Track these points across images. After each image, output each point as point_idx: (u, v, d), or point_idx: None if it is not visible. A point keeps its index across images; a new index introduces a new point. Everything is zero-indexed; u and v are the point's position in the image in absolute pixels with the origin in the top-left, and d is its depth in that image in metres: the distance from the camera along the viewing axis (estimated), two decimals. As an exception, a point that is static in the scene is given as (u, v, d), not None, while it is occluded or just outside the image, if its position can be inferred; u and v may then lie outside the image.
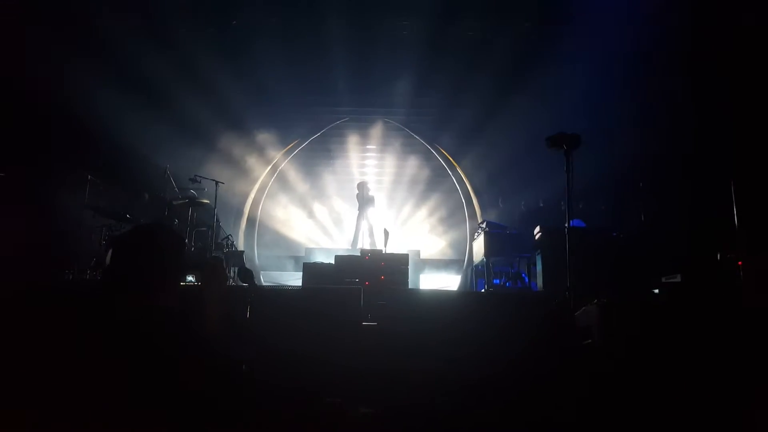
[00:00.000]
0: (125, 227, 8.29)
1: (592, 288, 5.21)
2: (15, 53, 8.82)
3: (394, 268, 8.00)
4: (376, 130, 13.86)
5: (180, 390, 1.91)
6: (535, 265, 7.97)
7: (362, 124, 13.84)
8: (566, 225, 4.87)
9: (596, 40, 10.10)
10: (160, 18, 10.63)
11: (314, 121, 13.69)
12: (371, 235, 11.92)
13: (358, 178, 12.93)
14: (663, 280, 6.70)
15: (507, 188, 12.43)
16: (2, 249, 7.36)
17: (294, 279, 11.21)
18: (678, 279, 6.45)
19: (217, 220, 9.49)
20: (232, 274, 7.99)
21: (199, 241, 9.23)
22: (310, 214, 13.61)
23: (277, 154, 13.46)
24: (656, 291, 6.51)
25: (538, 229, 7.75)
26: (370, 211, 12.20)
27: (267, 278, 12.18)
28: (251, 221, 13.10)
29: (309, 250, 11.99)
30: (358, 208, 12.26)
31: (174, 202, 9.24)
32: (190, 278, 6.06)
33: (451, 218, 13.51)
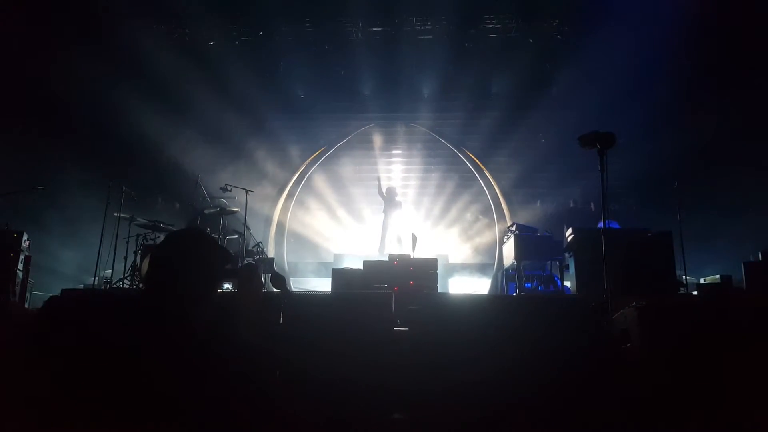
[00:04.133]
0: (159, 236, 8.44)
1: (629, 290, 5.10)
2: (57, 71, 9.15)
3: (423, 272, 7.95)
4: (402, 135, 13.86)
5: (215, 394, 1.92)
6: (567, 267, 7.83)
7: (388, 129, 13.86)
8: (602, 225, 4.77)
9: (625, 39, 9.96)
10: (191, 31, 10.86)
11: (341, 128, 13.76)
12: (399, 240, 11.87)
13: (385, 183, 12.91)
14: (702, 281, 6.54)
15: (536, 190, 12.30)
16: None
17: (323, 285, 11.24)
18: (717, 280, 6.29)
19: (248, 228, 9.58)
20: (263, 280, 8.05)
21: (230, 249, 9.32)
22: (338, 220, 13.64)
23: (304, 162, 13.56)
24: (695, 293, 6.36)
25: (570, 231, 7.62)
26: (398, 216, 12.16)
27: (296, 284, 12.23)
28: (280, 228, 13.20)
29: (337, 256, 12.01)
30: (383, 211, 12.23)
31: (206, 211, 9.38)
32: (226, 285, 6.12)
33: (479, 222, 13.39)
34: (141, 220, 8.51)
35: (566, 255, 7.92)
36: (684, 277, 7.02)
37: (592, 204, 10.53)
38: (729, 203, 8.71)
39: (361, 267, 8.16)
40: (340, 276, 8.10)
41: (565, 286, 8.12)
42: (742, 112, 8.70)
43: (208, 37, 11.58)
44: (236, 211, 9.48)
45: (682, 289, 6.48)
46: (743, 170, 8.39)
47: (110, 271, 8.43)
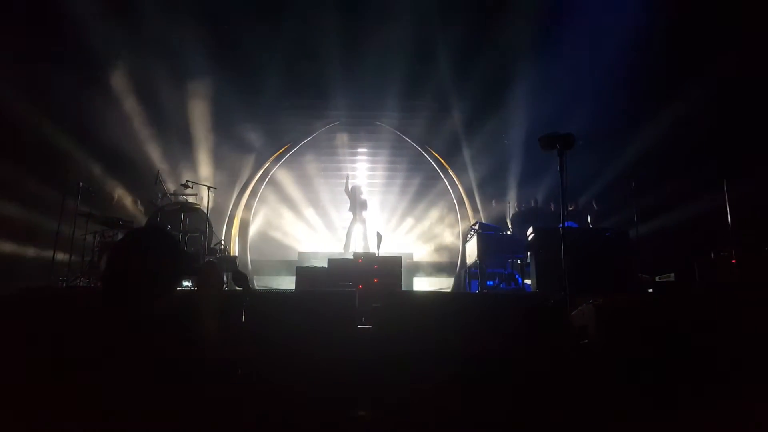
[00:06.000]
0: (117, 233, 8.25)
1: (587, 288, 5.22)
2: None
3: (388, 270, 8.00)
4: (368, 134, 13.88)
5: (177, 394, 1.90)
6: (528, 265, 7.98)
7: (354, 128, 13.86)
8: (561, 225, 4.87)
9: (586, 41, 10.19)
10: (151, 24, 10.61)
11: (306, 125, 13.68)
12: (364, 238, 11.90)
13: (351, 182, 12.92)
14: (657, 279, 6.74)
15: (499, 190, 12.48)
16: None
17: (287, 283, 11.17)
18: (672, 278, 6.49)
19: (210, 226, 9.44)
20: (225, 278, 7.94)
21: (192, 247, 9.17)
22: (302, 219, 13.57)
23: (268, 159, 13.43)
24: (650, 290, 6.55)
25: (531, 230, 7.77)
26: (363, 215, 12.19)
27: (260, 283, 12.12)
28: (243, 226, 13.03)
29: (302, 255, 11.96)
30: (349, 209, 12.25)
31: (166, 208, 9.19)
32: (186, 283, 6.03)
33: (443, 221, 13.52)
34: (99, 217, 8.29)
35: (527, 253, 8.07)
36: (640, 275, 7.23)
37: (551, 204, 10.74)
38: (683, 204, 9.02)
39: (325, 265, 8.16)
40: (304, 274, 8.08)
41: (526, 283, 8.26)
42: (698, 116, 9.02)
43: (169, 29, 11.34)
44: (198, 208, 9.33)
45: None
46: (698, 172, 8.69)
47: (67, 268, 8.19)
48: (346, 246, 11.84)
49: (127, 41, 10.47)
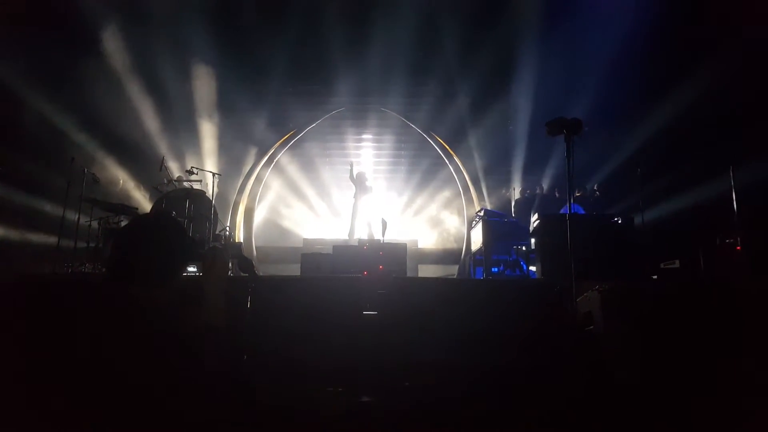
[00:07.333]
0: (122, 219, 8.26)
1: (592, 274, 5.21)
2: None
3: (393, 257, 8.01)
4: (373, 120, 13.82)
5: (184, 376, 1.91)
6: (533, 252, 7.96)
7: (359, 114, 13.82)
8: (568, 211, 4.84)
9: (594, 26, 10.11)
10: (153, 6, 10.57)
11: (311, 112, 13.65)
12: (369, 225, 11.88)
13: (355, 168, 12.90)
14: (662, 266, 6.72)
15: (504, 176, 12.45)
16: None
17: (292, 270, 11.20)
18: (677, 265, 6.47)
19: (215, 212, 9.44)
20: (230, 265, 7.96)
21: (197, 233, 9.18)
22: (308, 205, 13.58)
23: (273, 145, 13.41)
24: (655, 277, 6.53)
25: (536, 216, 7.75)
26: (368, 201, 12.16)
27: (264, 269, 12.15)
28: (248, 213, 13.05)
29: (307, 241, 11.96)
30: (354, 196, 12.23)
31: (171, 194, 9.18)
32: (192, 268, 6.04)
33: (448, 207, 13.50)
34: (104, 203, 8.29)
35: (532, 240, 8.05)
36: (644, 261, 7.20)
37: (556, 190, 10.70)
38: (688, 191, 8.98)
39: (330, 252, 8.18)
40: (309, 260, 8.11)
41: (531, 270, 8.25)
42: (705, 100, 8.96)
43: (173, 13, 11.30)
44: (203, 194, 9.32)
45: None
46: (703, 158, 8.64)
47: (71, 254, 8.21)
48: (351, 233, 11.83)
49: (131, 26, 10.44)
